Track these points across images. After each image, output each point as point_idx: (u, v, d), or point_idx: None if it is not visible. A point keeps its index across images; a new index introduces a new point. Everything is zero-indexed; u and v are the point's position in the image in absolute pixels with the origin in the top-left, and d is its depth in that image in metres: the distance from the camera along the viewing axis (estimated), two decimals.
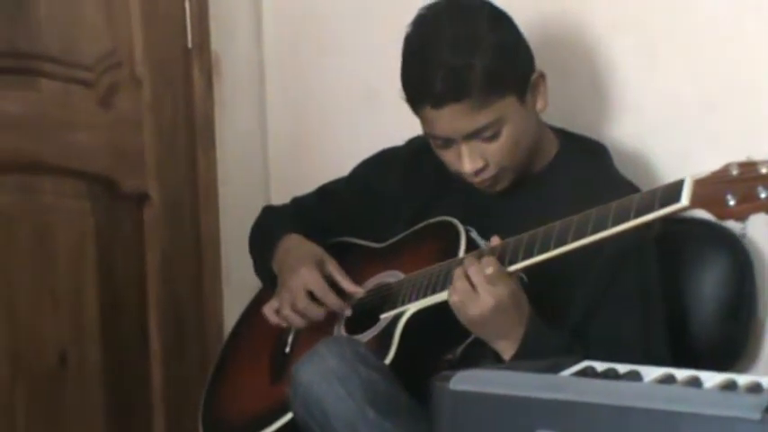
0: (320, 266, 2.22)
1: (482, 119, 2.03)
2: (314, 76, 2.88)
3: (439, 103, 2.03)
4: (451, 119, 2.04)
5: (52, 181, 2.63)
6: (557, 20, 2.31)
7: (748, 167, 1.69)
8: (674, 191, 1.76)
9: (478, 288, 1.93)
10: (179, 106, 2.83)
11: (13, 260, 2.59)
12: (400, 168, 2.32)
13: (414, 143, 2.32)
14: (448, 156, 2.11)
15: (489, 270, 1.93)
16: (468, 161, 2.07)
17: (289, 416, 2.07)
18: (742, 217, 1.70)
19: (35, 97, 2.61)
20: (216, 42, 2.88)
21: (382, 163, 2.38)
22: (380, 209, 2.33)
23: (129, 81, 2.74)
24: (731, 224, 1.81)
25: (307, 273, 2.20)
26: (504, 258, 1.95)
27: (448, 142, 2.09)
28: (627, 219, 1.81)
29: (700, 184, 1.73)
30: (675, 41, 2.33)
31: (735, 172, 1.70)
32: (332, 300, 2.19)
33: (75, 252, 2.67)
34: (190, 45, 2.85)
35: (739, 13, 2.25)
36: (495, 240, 2.01)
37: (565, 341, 1.97)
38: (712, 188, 1.71)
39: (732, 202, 1.69)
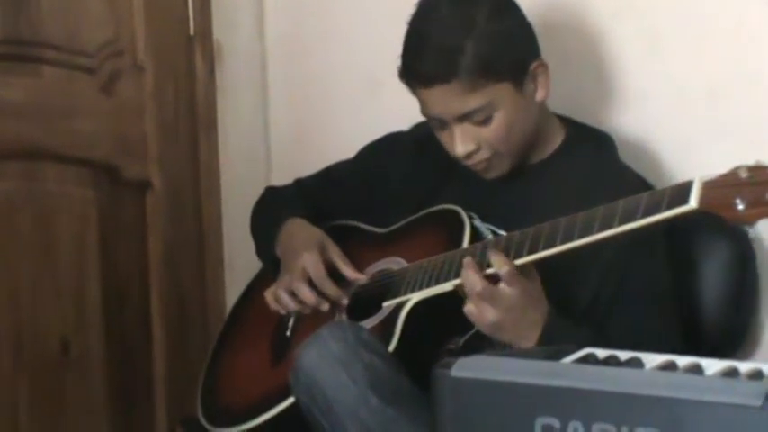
0: (322, 251, 2.22)
1: (472, 102, 2.04)
2: (316, 65, 2.88)
3: (428, 83, 2.04)
4: (441, 100, 2.05)
5: (54, 168, 2.63)
6: (559, 7, 2.31)
7: (758, 171, 1.68)
8: (682, 192, 1.75)
9: (487, 298, 1.93)
10: (181, 94, 2.83)
11: (15, 247, 2.59)
12: (406, 153, 2.32)
13: (420, 128, 2.31)
14: (444, 137, 2.12)
15: (502, 271, 1.93)
16: (459, 143, 2.08)
17: (290, 400, 2.07)
18: (750, 221, 1.70)
19: (37, 84, 2.61)
20: (218, 30, 2.88)
21: (388, 147, 2.38)
22: (385, 193, 2.33)
23: (132, 68, 2.74)
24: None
25: (307, 257, 2.20)
26: (508, 252, 1.94)
27: (442, 124, 2.10)
28: (634, 219, 1.80)
29: (708, 186, 1.72)
30: (679, 29, 2.33)
31: (744, 175, 1.69)
32: (329, 287, 2.19)
33: (78, 239, 2.67)
34: (192, 33, 2.85)
35: (744, 1, 2.25)
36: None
37: (588, 337, 1.94)
38: (721, 191, 1.70)
39: (741, 207, 1.68)
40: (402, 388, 1.96)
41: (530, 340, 1.94)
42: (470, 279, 1.94)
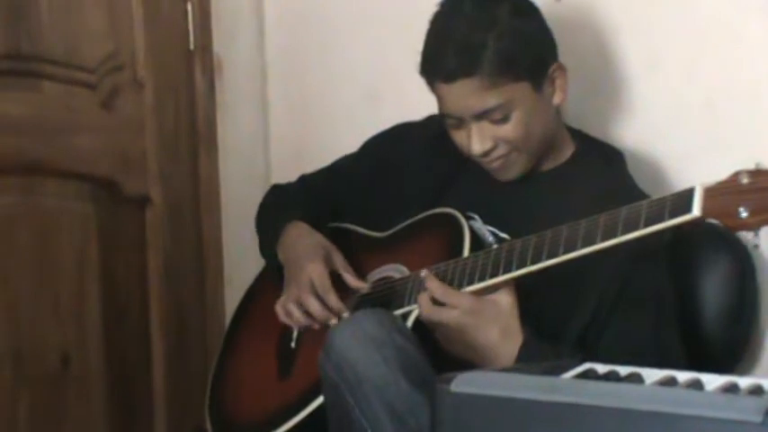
0: (327, 261, 2.22)
1: (491, 99, 2.04)
2: (316, 78, 2.89)
3: (450, 77, 2.05)
4: (462, 95, 2.05)
5: (54, 183, 2.63)
6: (559, 21, 2.31)
7: (759, 176, 1.68)
8: (684, 201, 1.74)
9: (435, 323, 1.98)
10: (181, 109, 2.84)
11: (15, 263, 2.58)
12: (419, 145, 2.31)
13: (432, 122, 2.29)
14: (459, 137, 2.12)
15: (435, 294, 1.97)
16: (476, 142, 2.08)
17: (304, 413, 2.07)
18: (755, 228, 1.69)
19: (37, 99, 2.61)
20: (218, 45, 2.88)
21: (398, 137, 2.37)
22: (391, 186, 2.32)
23: (132, 83, 2.74)
24: (743, 234, 1.80)
25: (313, 269, 2.20)
26: (511, 260, 1.95)
27: (460, 122, 2.10)
28: (636, 228, 1.80)
29: (710, 193, 1.72)
30: (678, 43, 2.34)
31: (745, 180, 1.69)
32: (332, 300, 2.19)
33: (78, 255, 2.66)
34: (192, 47, 2.85)
35: (742, 14, 2.26)
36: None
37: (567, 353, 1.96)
38: (723, 199, 1.70)
39: (745, 214, 1.68)
40: (431, 377, 1.94)
41: (496, 358, 1.95)
42: (420, 300, 1.99)
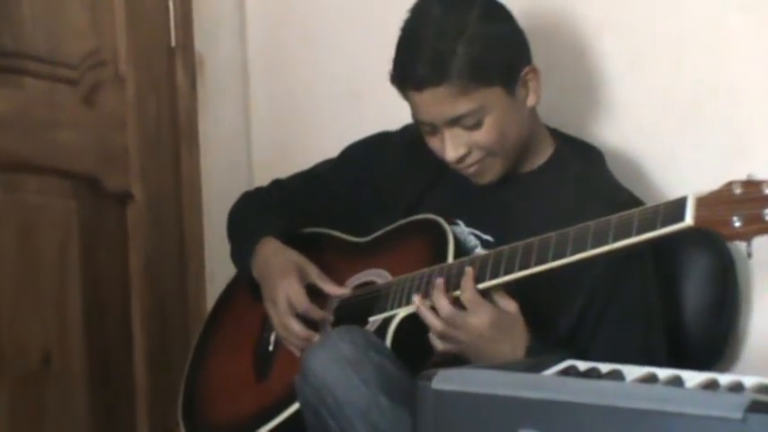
0: (301, 276, 2.21)
1: (462, 106, 2.04)
2: (297, 76, 2.88)
3: (419, 85, 2.04)
4: (432, 103, 2.05)
5: (36, 179, 2.62)
6: (542, 20, 2.32)
7: (752, 187, 1.69)
8: (676, 210, 1.75)
9: (454, 325, 1.95)
10: (163, 105, 2.83)
11: None
12: (394, 154, 2.32)
13: (409, 129, 2.30)
14: (435, 143, 2.12)
15: (464, 297, 1.95)
16: (450, 148, 2.08)
17: (284, 415, 2.07)
18: (747, 238, 1.70)
19: (19, 96, 2.60)
20: (199, 42, 2.88)
21: (375, 147, 2.37)
22: (370, 193, 2.32)
23: (113, 80, 2.74)
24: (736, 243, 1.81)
25: (286, 286, 2.19)
26: (498, 268, 1.94)
27: (434, 129, 2.09)
28: (628, 235, 1.80)
29: (703, 203, 1.73)
30: (661, 42, 2.34)
31: (738, 191, 1.69)
32: (315, 312, 2.19)
33: (59, 251, 2.65)
34: (173, 44, 2.85)
35: (724, 13, 2.26)
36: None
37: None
38: (717, 208, 1.71)
39: (738, 224, 1.69)
40: (411, 389, 1.94)
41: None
42: (439, 303, 1.96)
